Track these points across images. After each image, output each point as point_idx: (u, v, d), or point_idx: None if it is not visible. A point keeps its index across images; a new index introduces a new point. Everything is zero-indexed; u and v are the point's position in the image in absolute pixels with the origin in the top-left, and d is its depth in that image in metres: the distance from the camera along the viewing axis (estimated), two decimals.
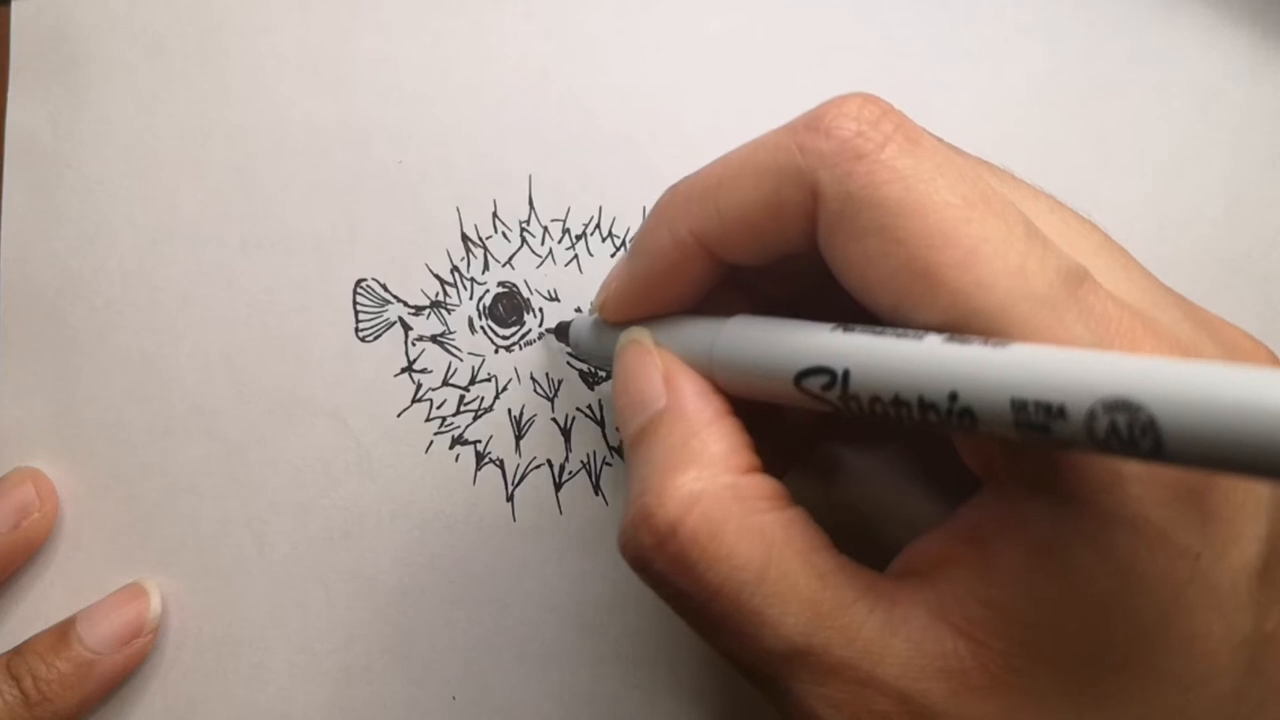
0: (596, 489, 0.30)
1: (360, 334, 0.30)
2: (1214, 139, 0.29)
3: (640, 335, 0.23)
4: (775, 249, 0.20)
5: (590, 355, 0.27)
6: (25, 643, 0.29)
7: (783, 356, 0.19)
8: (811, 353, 0.19)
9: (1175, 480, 0.17)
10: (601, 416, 0.30)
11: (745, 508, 0.19)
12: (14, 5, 0.31)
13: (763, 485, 0.20)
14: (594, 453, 0.30)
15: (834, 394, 0.18)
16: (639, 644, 0.30)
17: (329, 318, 0.30)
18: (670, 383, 0.21)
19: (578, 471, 0.30)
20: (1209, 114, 0.29)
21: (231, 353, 0.30)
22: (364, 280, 0.30)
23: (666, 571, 0.19)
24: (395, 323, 0.30)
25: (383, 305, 0.30)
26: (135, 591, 0.30)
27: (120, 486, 0.31)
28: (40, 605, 0.31)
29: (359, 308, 0.30)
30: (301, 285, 0.30)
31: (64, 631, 0.29)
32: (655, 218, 0.22)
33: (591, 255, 0.30)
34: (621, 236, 0.30)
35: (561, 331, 0.29)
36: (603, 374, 0.30)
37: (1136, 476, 0.17)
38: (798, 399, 0.19)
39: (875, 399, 0.18)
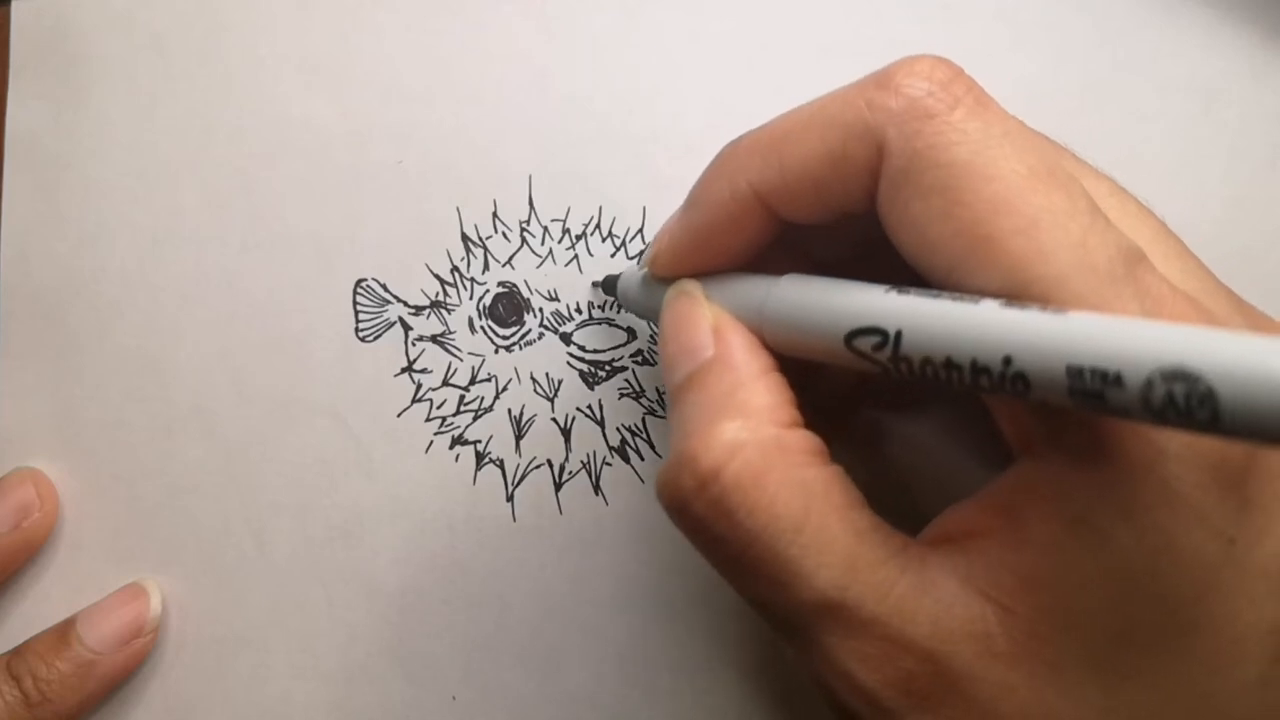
0: (596, 489, 0.30)
1: (360, 334, 0.30)
2: (1214, 139, 0.29)
3: (691, 287, 0.23)
4: (834, 206, 0.20)
5: (638, 308, 0.27)
6: (25, 643, 0.29)
7: (835, 315, 0.19)
8: (864, 312, 0.19)
9: (1216, 464, 0.17)
10: (601, 417, 0.30)
11: (788, 460, 0.19)
12: (14, 5, 0.31)
13: (805, 440, 0.20)
14: (594, 453, 0.30)
15: (884, 354, 0.18)
16: (639, 644, 0.30)
17: (329, 318, 0.30)
18: (719, 334, 0.21)
19: (578, 471, 0.30)
20: (1209, 114, 0.29)
21: (231, 353, 0.30)
22: (364, 280, 0.30)
23: (705, 515, 0.19)
24: (395, 323, 0.30)
25: (383, 305, 0.30)
26: (135, 591, 0.30)
27: (120, 486, 0.31)
28: (40, 605, 0.31)
29: (359, 308, 0.30)
30: (301, 285, 0.30)
31: (64, 631, 0.29)
32: (714, 170, 0.22)
33: (591, 255, 0.30)
34: (621, 236, 0.30)
35: (609, 284, 0.28)
36: (602, 374, 0.30)
37: (1178, 456, 0.17)
38: (847, 359, 0.19)
39: (927, 361, 0.18)
